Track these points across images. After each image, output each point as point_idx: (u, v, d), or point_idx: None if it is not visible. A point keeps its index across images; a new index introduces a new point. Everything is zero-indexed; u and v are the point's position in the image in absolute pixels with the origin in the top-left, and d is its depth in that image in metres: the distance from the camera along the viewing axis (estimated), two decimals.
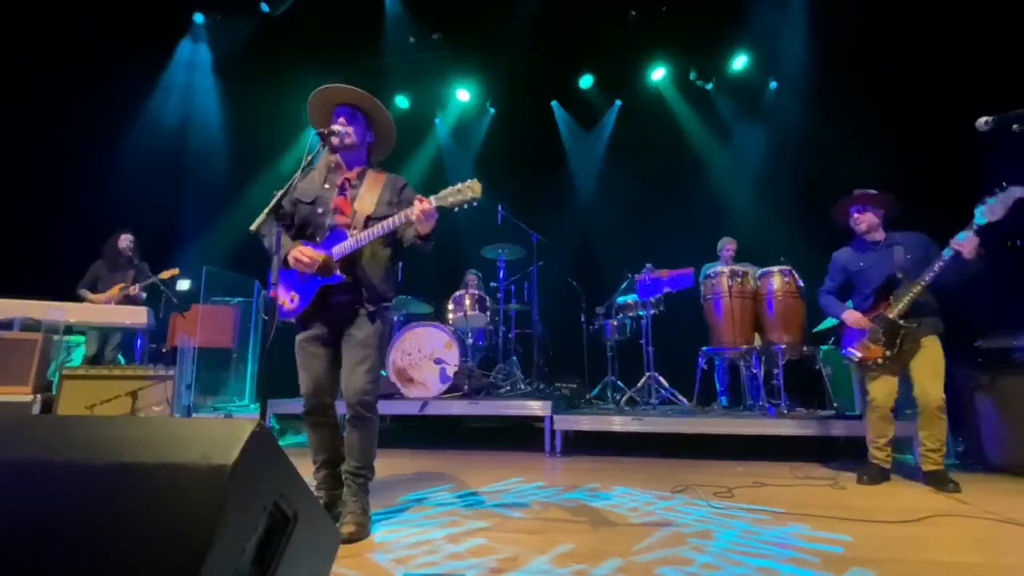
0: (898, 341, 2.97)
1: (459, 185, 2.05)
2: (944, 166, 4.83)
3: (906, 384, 3.05)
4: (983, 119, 2.17)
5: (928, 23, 5.34)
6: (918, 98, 5.36)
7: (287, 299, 2.22)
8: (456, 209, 2.06)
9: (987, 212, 2.72)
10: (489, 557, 1.85)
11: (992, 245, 2.90)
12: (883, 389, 3.07)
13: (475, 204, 2.05)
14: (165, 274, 5.12)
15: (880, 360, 3.02)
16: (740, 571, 1.69)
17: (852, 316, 3.16)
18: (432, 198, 2.06)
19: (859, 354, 3.10)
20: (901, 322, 2.97)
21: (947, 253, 2.83)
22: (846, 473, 3.24)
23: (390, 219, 2.14)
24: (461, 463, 3.72)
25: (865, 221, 3.20)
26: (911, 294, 2.93)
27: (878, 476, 3.03)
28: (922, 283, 2.91)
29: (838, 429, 3.64)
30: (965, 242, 2.77)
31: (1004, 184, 2.70)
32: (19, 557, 0.95)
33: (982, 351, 3.56)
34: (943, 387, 2.90)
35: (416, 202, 2.05)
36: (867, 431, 3.16)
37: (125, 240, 5.15)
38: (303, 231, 2.30)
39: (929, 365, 2.94)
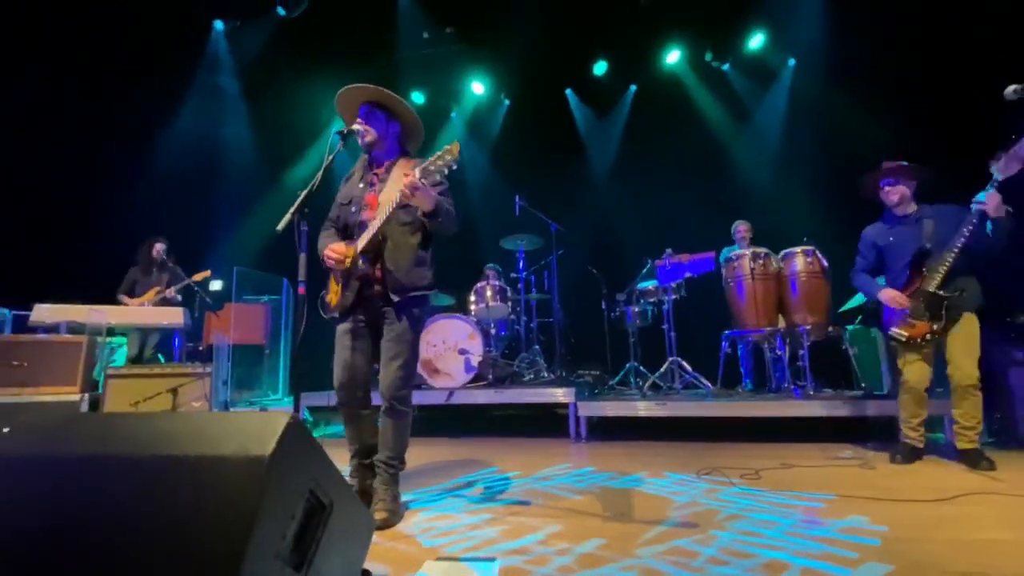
0: (943, 312, 2.85)
1: (439, 152, 2.01)
2: (967, 138, 4.64)
3: (941, 361, 2.96)
4: (1012, 88, 2.09)
5: None
6: (940, 70, 5.14)
7: (332, 294, 2.30)
8: (446, 171, 2.02)
9: (1002, 167, 2.64)
10: (493, 530, 1.88)
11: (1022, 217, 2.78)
12: (917, 371, 2.98)
13: (454, 168, 2.01)
14: (198, 276, 5.26)
15: (928, 336, 2.90)
16: (748, 564, 1.59)
17: (889, 294, 3.02)
18: (416, 169, 2.04)
19: (906, 333, 2.96)
20: (942, 292, 2.84)
21: (973, 214, 2.75)
22: (876, 453, 3.18)
23: (390, 201, 2.14)
24: (488, 450, 3.76)
25: (897, 193, 3.08)
26: (947, 263, 2.82)
27: (911, 455, 2.96)
28: (956, 249, 2.80)
29: (866, 409, 3.56)
30: (987, 199, 2.69)
31: (1013, 137, 2.59)
32: (74, 547, 1.00)
33: (1016, 326, 3.44)
34: (977, 364, 2.80)
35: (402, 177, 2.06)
36: (900, 410, 3.07)
37: (158, 246, 5.30)
38: (347, 232, 2.36)
39: (964, 342, 2.84)
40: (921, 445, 2.99)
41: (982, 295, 2.89)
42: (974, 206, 2.75)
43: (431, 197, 2.10)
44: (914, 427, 3.01)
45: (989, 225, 2.74)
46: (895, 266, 3.09)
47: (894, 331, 3.00)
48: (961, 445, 2.84)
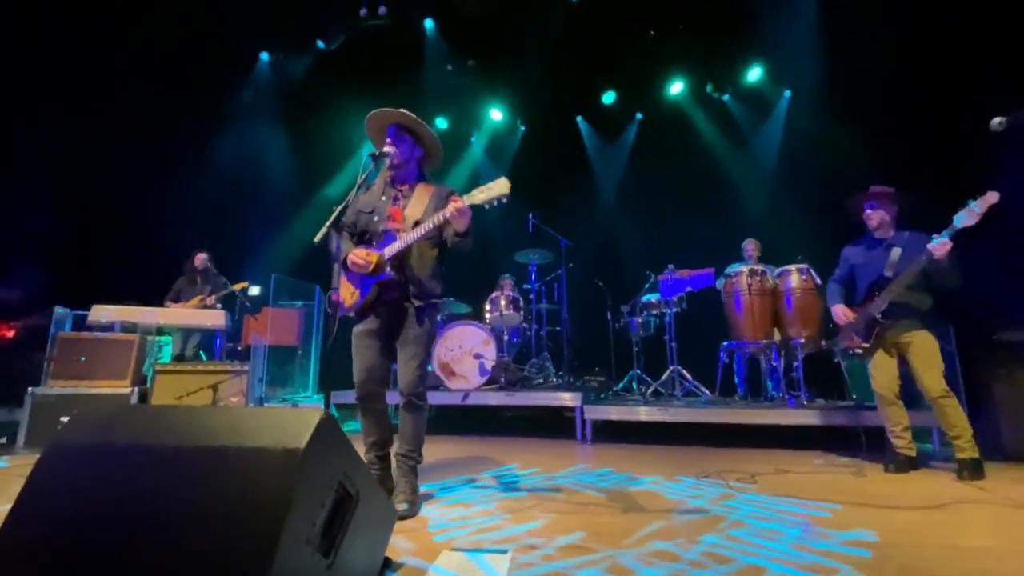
0: (872, 335, 2.96)
1: (489, 184, 2.04)
2: (957, 166, 4.57)
3: (912, 378, 2.90)
4: (997, 119, 2.06)
5: (937, 30, 5.05)
6: (929, 101, 5.08)
7: (349, 295, 2.31)
8: (487, 206, 2.03)
9: (964, 217, 2.58)
10: (498, 520, 1.86)
11: (1008, 242, 2.72)
12: (882, 377, 2.96)
13: (504, 201, 2.01)
14: (237, 286, 5.36)
15: (859, 351, 3.03)
16: (725, 568, 1.52)
17: (837, 309, 3.13)
18: (464, 196, 2.09)
19: (841, 344, 3.14)
20: (877, 317, 2.92)
21: (925, 255, 2.73)
22: (867, 462, 3.10)
23: (431, 219, 2.18)
24: (499, 449, 3.74)
25: (877, 217, 3.06)
26: (892, 293, 2.86)
27: (904, 465, 2.85)
28: (899, 282, 2.83)
29: (857, 419, 3.48)
30: (938, 245, 2.66)
31: (985, 191, 2.56)
32: (125, 527, 1.01)
33: (999, 344, 3.35)
34: (940, 375, 2.75)
35: (451, 201, 2.09)
36: (883, 421, 3.01)
37: (201, 258, 5.42)
38: (363, 237, 2.39)
39: (921, 357, 2.81)
40: (912, 454, 2.88)
41: (928, 324, 2.85)
42: (927, 247, 2.71)
43: (468, 220, 2.14)
44: (898, 434, 2.92)
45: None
46: (860, 285, 3.11)
47: (836, 339, 3.18)
48: (957, 455, 2.74)
